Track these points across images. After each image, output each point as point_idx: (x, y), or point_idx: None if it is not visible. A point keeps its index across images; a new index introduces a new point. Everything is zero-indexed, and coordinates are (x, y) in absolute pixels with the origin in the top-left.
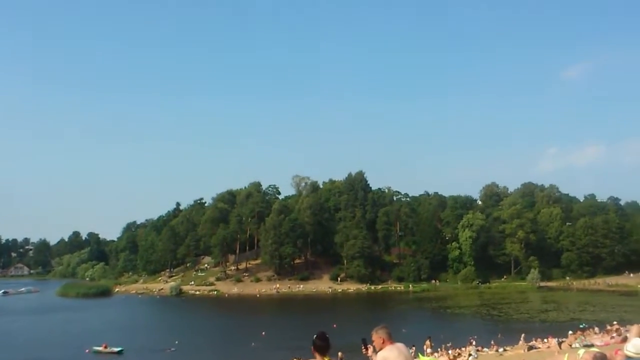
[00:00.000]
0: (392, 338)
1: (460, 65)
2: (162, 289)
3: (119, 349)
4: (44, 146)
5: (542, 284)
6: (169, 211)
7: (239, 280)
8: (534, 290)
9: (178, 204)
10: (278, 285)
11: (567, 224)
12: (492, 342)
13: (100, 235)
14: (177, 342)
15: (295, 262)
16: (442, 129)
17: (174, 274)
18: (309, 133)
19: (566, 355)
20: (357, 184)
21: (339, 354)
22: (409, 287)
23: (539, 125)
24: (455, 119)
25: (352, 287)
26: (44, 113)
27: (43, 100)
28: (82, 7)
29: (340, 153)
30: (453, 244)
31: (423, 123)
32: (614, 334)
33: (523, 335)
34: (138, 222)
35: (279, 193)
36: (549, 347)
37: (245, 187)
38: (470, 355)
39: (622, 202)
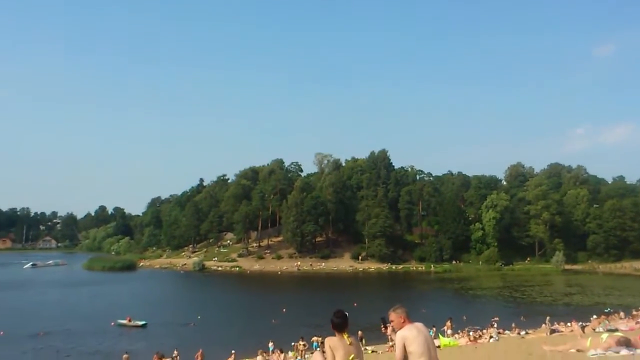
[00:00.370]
0: (409, 318)
1: (488, 46)
2: (185, 264)
3: (142, 322)
4: (73, 122)
5: (567, 267)
6: (192, 187)
7: (260, 257)
8: (558, 273)
9: (201, 180)
10: (299, 263)
11: (594, 206)
12: (513, 325)
13: (125, 210)
14: (199, 317)
15: (316, 240)
16: (468, 109)
17: (197, 250)
18: (333, 111)
19: (589, 339)
20: (379, 162)
21: (359, 332)
22: (431, 267)
23: (567, 104)
24: (482, 100)
25: (373, 266)
26: (75, 89)
27: (74, 75)
28: None
29: (363, 131)
30: (476, 224)
31: (449, 103)
32: None
33: (548, 318)
34: (162, 198)
35: (301, 170)
36: (572, 331)
37: (267, 164)
38: (491, 337)
39: None
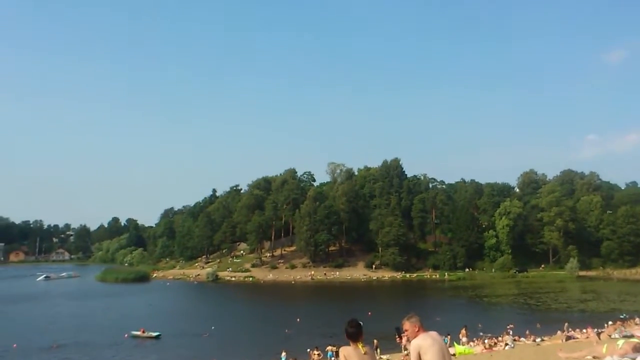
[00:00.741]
0: (424, 326)
1: (499, 52)
2: (198, 274)
3: (156, 333)
4: (86, 135)
5: (581, 273)
6: (205, 198)
7: (274, 267)
8: (572, 280)
9: (214, 191)
10: (313, 272)
11: (608, 212)
12: (527, 332)
13: (138, 221)
14: (213, 327)
15: (330, 249)
16: (479, 116)
17: (210, 260)
18: (345, 120)
19: (605, 345)
20: (392, 170)
21: (375, 341)
22: (445, 275)
23: (579, 111)
24: (494, 106)
25: (387, 274)
26: (86, 98)
27: (86, 83)
28: None
29: (376, 140)
30: (490, 232)
31: (460, 110)
32: None
33: (566, 324)
34: (175, 209)
35: (314, 180)
36: (587, 337)
37: (280, 174)
38: (506, 344)
39: None
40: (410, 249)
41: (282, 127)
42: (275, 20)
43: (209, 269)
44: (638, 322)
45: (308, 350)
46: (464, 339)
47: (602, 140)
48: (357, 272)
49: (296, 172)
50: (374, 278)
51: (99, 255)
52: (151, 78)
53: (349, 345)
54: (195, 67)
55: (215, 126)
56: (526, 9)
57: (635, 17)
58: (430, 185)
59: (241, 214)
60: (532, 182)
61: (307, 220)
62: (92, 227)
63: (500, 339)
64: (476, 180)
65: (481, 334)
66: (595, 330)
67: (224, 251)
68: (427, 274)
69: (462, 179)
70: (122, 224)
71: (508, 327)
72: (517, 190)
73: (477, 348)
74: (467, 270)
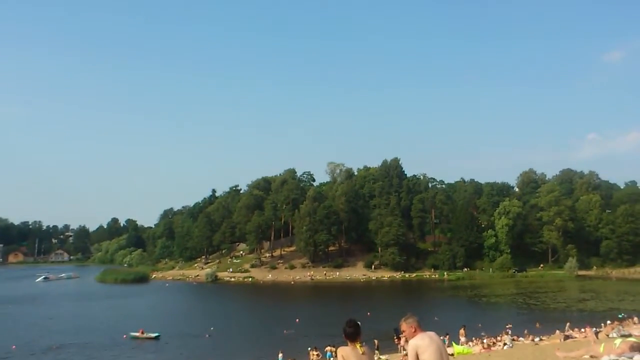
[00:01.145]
0: (422, 326)
1: (498, 51)
2: (198, 275)
3: (155, 334)
4: (85, 136)
5: (580, 272)
6: (204, 198)
7: (273, 268)
8: (571, 279)
9: (214, 191)
10: (312, 273)
11: (607, 211)
12: (526, 332)
13: (138, 222)
14: (212, 328)
15: (329, 249)
16: (479, 116)
17: (209, 261)
18: (344, 120)
19: (603, 344)
20: (392, 170)
21: (375, 341)
22: (444, 275)
23: (579, 110)
24: (493, 105)
25: (386, 274)
26: (87, 99)
27: (85, 85)
28: None
29: (375, 140)
30: (489, 231)
31: (460, 109)
32: None
33: (568, 324)
34: (175, 209)
35: (314, 180)
36: (585, 336)
37: (280, 174)
38: (505, 344)
39: None
40: (410, 249)
41: (282, 127)
42: (274, 20)
43: (208, 269)
44: (636, 322)
45: (309, 349)
46: (463, 339)
47: (602, 140)
48: (357, 272)
49: (296, 172)
50: (373, 278)
51: (98, 256)
52: (152, 79)
53: (347, 345)
54: (195, 68)
55: (214, 127)
56: (526, 10)
57: (635, 16)
58: (430, 185)
59: (240, 214)
60: (531, 182)
61: (307, 221)
62: (92, 227)
63: (498, 338)
64: (475, 180)
65: (483, 334)
66: (594, 329)
67: (223, 252)
68: (427, 274)
69: (461, 178)
70: (122, 225)
71: (507, 326)
72: (517, 189)
73: (475, 348)
74: (466, 269)
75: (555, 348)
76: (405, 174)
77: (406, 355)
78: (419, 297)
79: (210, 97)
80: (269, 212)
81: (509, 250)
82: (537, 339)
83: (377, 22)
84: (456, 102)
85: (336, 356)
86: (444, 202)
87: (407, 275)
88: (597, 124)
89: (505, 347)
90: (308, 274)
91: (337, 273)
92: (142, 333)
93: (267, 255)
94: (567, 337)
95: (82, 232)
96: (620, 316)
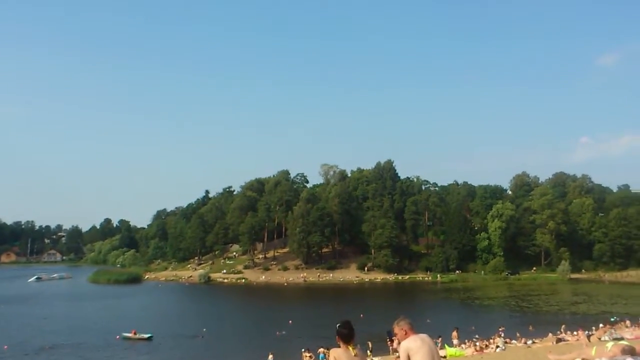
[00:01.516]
0: (414, 329)
1: (493, 53)
2: (190, 276)
3: (148, 335)
4: (78, 135)
5: (573, 276)
6: (198, 199)
7: (266, 269)
8: (564, 282)
9: (207, 192)
10: (305, 274)
11: (600, 214)
12: (518, 334)
13: (131, 223)
14: (204, 329)
15: (322, 251)
16: (472, 118)
17: (202, 262)
18: (337, 121)
19: (594, 347)
20: (385, 172)
21: (369, 343)
22: (437, 277)
23: (572, 114)
24: (490, 105)
25: (379, 276)
26: (80, 98)
27: (78, 85)
28: None
29: (369, 142)
30: (482, 234)
31: (459, 110)
32: None
33: (563, 326)
34: (168, 210)
35: (307, 182)
36: (577, 339)
37: (273, 176)
38: (497, 347)
39: None
40: (403, 251)
41: (282, 127)
42: (274, 20)
43: (201, 270)
44: (628, 325)
45: (302, 350)
46: (455, 341)
47: (595, 143)
48: (350, 274)
49: (289, 174)
50: (366, 280)
51: (91, 257)
52: (152, 79)
53: (340, 347)
54: (195, 68)
55: (214, 127)
56: (521, 12)
57: (630, 20)
58: (423, 187)
59: (234, 216)
60: (524, 185)
61: (300, 222)
62: (84, 228)
63: (491, 341)
64: (469, 183)
65: (475, 336)
66: (586, 332)
67: (216, 253)
68: (420, 276)
69: (454, 181)
70: (115, 225)
71: (499, 329)
72: (510, 192)
73: (468, 350)
74: (459, 272)
75: (548, 351)
76: (399, 176)
77: (398, 357)
78: (412, 299)
79: (210, 97)
80: (262, 214)
81: (502, 253)
82: (529, 342)
83: (377, 22)
84: (455, 102)
85: (328, 358)
86: (437, 204)
87: (400, 278)
88: (590, 127)
89: (498, 350)
90: (301, 275)
91: (330, 275)
92: (135, 334)
93: (260, 256)
94: (559, 340)
95: (75, 232)
96: (612, 319)
